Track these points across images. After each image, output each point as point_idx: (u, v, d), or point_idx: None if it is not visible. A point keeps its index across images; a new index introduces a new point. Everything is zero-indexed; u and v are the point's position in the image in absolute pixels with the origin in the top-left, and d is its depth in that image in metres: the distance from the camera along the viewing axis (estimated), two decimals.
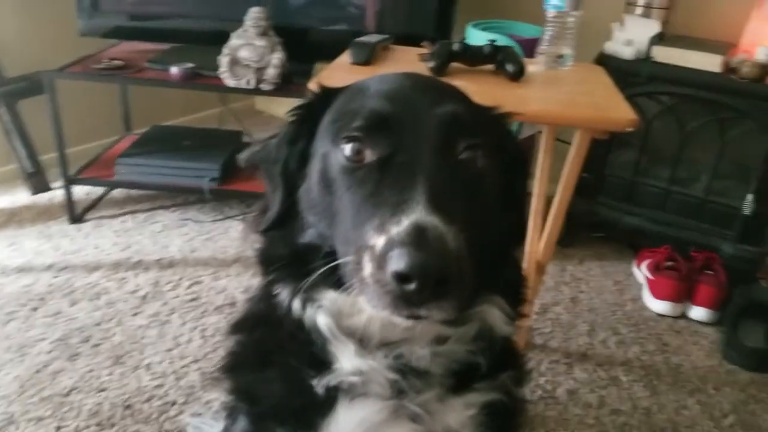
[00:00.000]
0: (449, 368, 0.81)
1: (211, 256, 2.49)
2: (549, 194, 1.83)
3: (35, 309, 2.12)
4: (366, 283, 0.66)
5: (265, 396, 0.84)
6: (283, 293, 0.82)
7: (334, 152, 0.78)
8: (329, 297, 0.79)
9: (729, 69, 2.34)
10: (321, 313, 0.79)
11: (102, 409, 1.75)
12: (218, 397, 1.67)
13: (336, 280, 0.75)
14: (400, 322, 0.70)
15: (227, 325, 0.93)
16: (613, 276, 2.59)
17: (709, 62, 2.30)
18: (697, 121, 2.41)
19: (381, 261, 0.64)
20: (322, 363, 0.80)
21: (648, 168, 2.61)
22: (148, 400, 1.79)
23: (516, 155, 0.91)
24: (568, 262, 2.66)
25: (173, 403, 1.78)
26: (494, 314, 0.83)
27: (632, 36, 2.40)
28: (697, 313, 2.34)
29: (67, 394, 1.79)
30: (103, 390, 1.81)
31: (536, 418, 1.83)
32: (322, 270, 0.76)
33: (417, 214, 0.65)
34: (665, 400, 1.96)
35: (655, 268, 2.42)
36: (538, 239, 1.85)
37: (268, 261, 0.87)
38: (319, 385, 0.79)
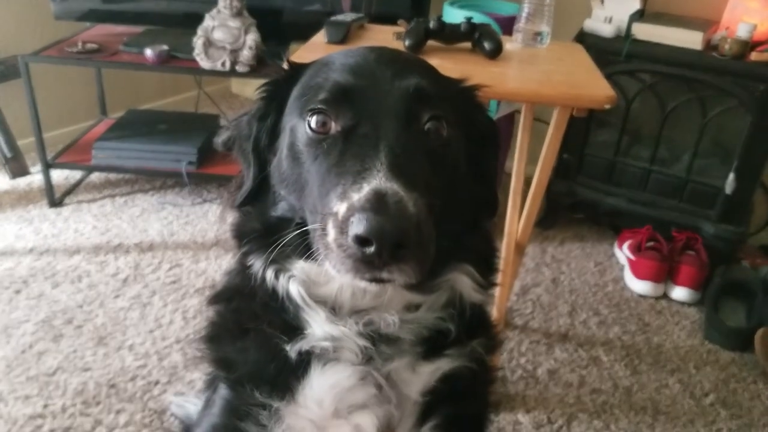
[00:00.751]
0: (419, 335, 0.83)
1: (190, 240, 2.48)
2: (528, 175, 1.81)
3: (18, 291, 2.12)
4: (330, 248, 0.69)
5: (242, 363, 0.86)
6: (256, 264, 0.85)
7: (301, 125, 0.80)
8: (300, 266, 0.81)
9: (710, 46, 2.32)
10: (293, 282, 0.82)
11: (87, 388, 1.76)
12: (201, 376, 1.68)
13: (307, 250, 0.77)
14: (364, 285, 0.72)
15: (206, 297, 0.95)
16: (594, 257, 2.59)
17: (690, 40, 2.28)
18: (677, 100, 2.39)
19: (343, 226, 0.67)
20: (295, 329, 0.82)
21: (628, 148, 2.60)
22: (132, 379, 1.80)
23: (485, 128, 0.92)
24: (549, 243, 2.66)
25: (156, 383, 1.79)
26: (463, 282, 0.85)
27: (612, 13, 2.38)
28: (679, 293, 2.34)
29: (53, 374, 1.80)
30: (87, 370, 1.82)
31: (516, 397, 1.83)
32: (291, 237, 0.79)
33: (377, 181, 0.68)
34: (646, 379, 1.96)
35: (636, 249, 2.42)
36: (517, 219, 1.84)
37: (242, 234, 0.89)
38: (292, 350, 0.82)
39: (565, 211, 2.75)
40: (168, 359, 1.88)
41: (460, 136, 0.84)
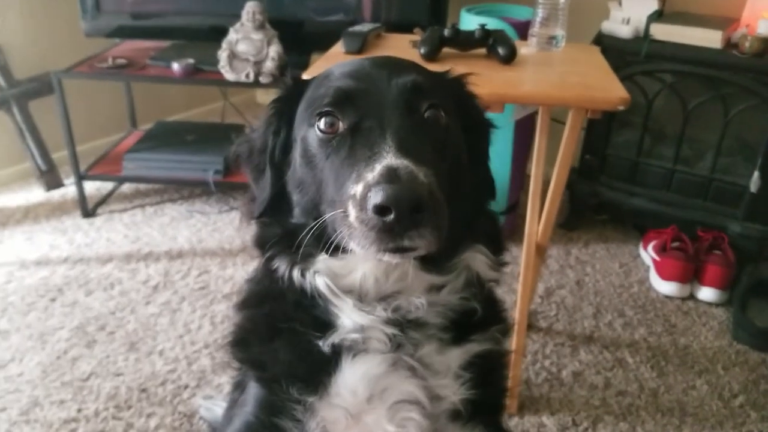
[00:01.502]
0: (446, 317, 0.88)
1: (218, 246, 2.54)
2: (548, 177, 1.81)
3: (53, 299, 2.20)
4: (352, 226, 0.74)
5: (275, 362, 0.90)
6: (281, 267, 0.90)
7: (311, 131, 0.86)
8: (323, 261, 0.86)
9: (730, 44, 2.30)
10: (318, 276, 0.87)
11: (119, 393, 1.82)
12: (228, 380, 1.72)
13: (327, 246, 0.82)
14: (388, 258, 0.77)
15: (234, 304, 1.00)
16: (619, 258, 2.57)
17: (710, 38, 2.26)
18: (699, 99, 2.37)
19: (362, 203, 0.72)
20: (326, 324, 0.87)
21: (651, 148, 2.58)
22: (162, 383, 1.85)
23: (477, 115, 0.99)
24: (573, 245, 2.65)
25: (186, 387, 1.84)
26: (478, 260, 0.91)
27: (630, 14, 2.37)
28: (706, 293, 2.31)
29: (87, 379, 1.86)
30: (119, 375, 1.88)
31: (541, 399, 1.84)
32: (313, 228, 0.84)
33: (387, 160, 0.74)
34: (673, 381, 1.95)
35: (661, 249, 2.40)
36: (537, 221, 1.84)
37: (264, 241, 0.94)
38: (325, 344, 0.86)
39: (588, 213, 2.74)
40: (197, 363, 1.92)
41: (456, 122, 0.90)
